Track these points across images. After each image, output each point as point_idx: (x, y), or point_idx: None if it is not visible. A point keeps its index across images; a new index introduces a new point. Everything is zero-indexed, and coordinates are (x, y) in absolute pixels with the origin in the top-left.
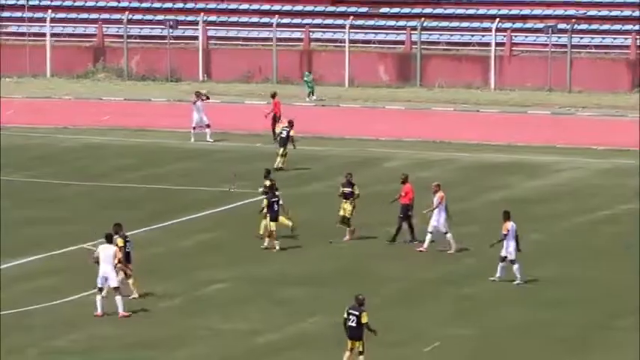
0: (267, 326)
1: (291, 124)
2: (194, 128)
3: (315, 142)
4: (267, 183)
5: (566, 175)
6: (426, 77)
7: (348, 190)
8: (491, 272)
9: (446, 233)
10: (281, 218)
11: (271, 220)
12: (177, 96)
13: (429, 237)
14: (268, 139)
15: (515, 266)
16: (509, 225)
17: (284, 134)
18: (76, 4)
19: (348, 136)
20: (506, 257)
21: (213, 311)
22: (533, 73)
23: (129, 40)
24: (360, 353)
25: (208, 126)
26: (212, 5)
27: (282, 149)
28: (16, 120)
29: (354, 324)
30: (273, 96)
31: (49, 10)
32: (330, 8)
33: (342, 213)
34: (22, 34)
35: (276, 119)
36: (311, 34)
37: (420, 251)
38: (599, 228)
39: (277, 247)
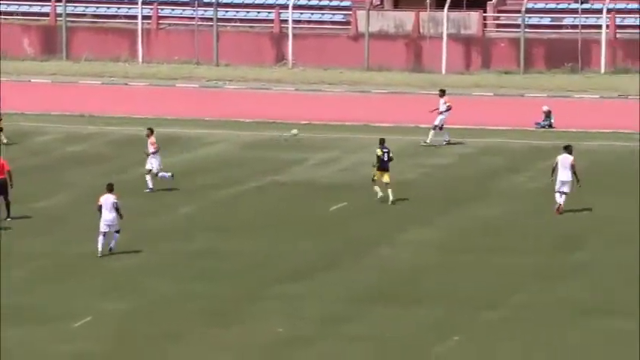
0: None
1: None
2: None
3: None
4: None
5: (215, 148)
6: (73, 50)
7: None
8: (140, 246)
9: None
10: None
11: None
12: None
13: None
14: None
15: None
16: None
17: None
18: None
19: None
20: None
21: None
22: (181, 47)
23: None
24: (387, 184)
25: None
26: None
27: None
28: None
29: (386, 158)
30: None
31: None
32: None
33: None
34: None
35: None
36: None
37: None
38: (247, 200)
39: None
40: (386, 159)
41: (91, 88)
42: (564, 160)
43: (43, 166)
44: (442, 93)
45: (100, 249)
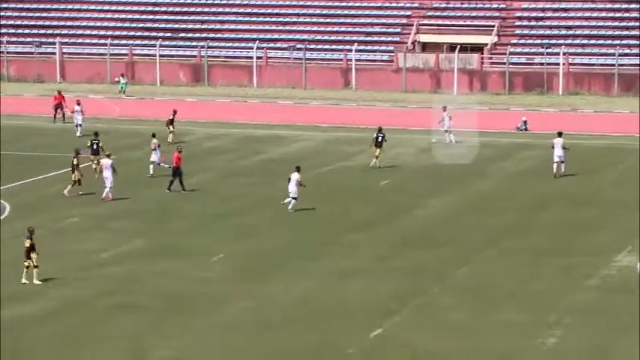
0: None
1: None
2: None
3: None
4: None
5: (304, 144)
6: (211, 80)
7: None
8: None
9: None
10: None
11: None
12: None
13: None
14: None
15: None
16: None
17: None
18: None
19: None
20: None
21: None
22: (282, 77)
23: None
24: (377, 157)
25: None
26: (65, 31)
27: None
28: None
29: (379, 139)
30: (59, 92)
31: None
32: None
33: None
34: None
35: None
36: None
37: None
38: (326, 178)
39: None
40: (379, 140)
41: (223, 104)
42: (558, 142)
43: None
44: (444, 108)
45: None
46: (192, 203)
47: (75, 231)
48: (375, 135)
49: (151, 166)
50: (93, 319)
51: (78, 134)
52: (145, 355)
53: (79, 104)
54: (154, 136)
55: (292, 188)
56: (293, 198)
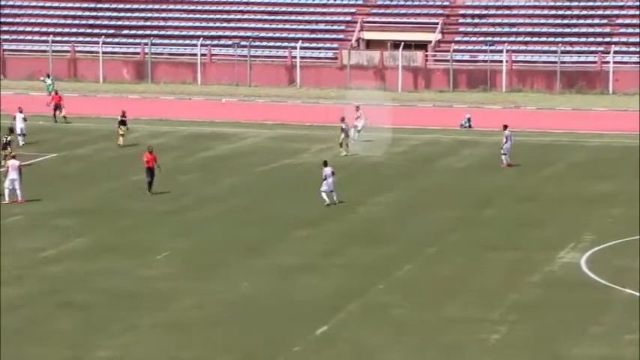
0: None
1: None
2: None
3: None
4: None
5: (249, 141)
6: (155, 77)
7: None
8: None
9: None
10: None
11: None
12: None
13: None
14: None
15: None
16: None
17: None
18: None
19: None
20: None
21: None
22: (226, 74)
23: None
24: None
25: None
26: (6, 28)
27: None
28: None
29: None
30: (56, 92)
31: None
32: None
33: None
34: None
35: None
36: None
37: None
38: (271, 174)
39: None
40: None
41: (167, 102)
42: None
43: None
44: (357, 108)
45: None
46: (137, 201)
47: (18, 229)
48: (343, 126)
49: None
50: (35, 318)
51: (21, 144)
52: (87, 353)
53: (21, 111)
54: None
55: (328, 183)
56: (330, 191)
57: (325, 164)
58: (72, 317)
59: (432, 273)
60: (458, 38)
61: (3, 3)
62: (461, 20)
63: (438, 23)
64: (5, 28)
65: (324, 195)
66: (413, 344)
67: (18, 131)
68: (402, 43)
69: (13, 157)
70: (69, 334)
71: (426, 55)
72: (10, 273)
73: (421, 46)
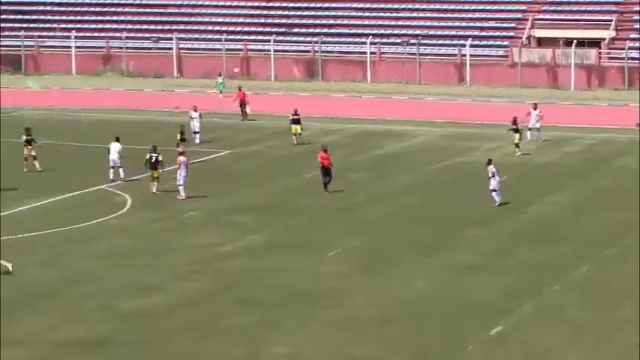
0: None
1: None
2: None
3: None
4: None
5: (419, 139)
6: (325, 75)
7: None
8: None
9: None
10: None
11: None
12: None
13: None
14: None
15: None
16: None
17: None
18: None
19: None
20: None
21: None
22: (395, 72)
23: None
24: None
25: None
26: (182, 27)
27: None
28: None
29: (153, 160)
30: (239, 88)
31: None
32: None
33: None
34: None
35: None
36: None
37: None
38: (443, 173)
39: None
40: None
41: (337, 99)
42: None
43: (307, 150)
44: (534, 106)
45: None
46: (310, 198)
47: (194, 225)
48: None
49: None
50: (213, 313)
51: (197, 142)
52: (263, 350)
53: (195, 110)
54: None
55: (495, 180)
56: (494, 190)
57: (489, 162)
58: (248, 314)
59: (609, 274)
60: (633, 35)
61: (179, 3)
62: (636, 17)
63: (611, 20)
64: (181, 27)
65: (494, 195)
66: (589, 345)
67: (193, 129)
68: (575, 41)
69: (182, 154)
70: (245, 331)
71: (600, 53)
72: (186, 268)
73: (594, 43)
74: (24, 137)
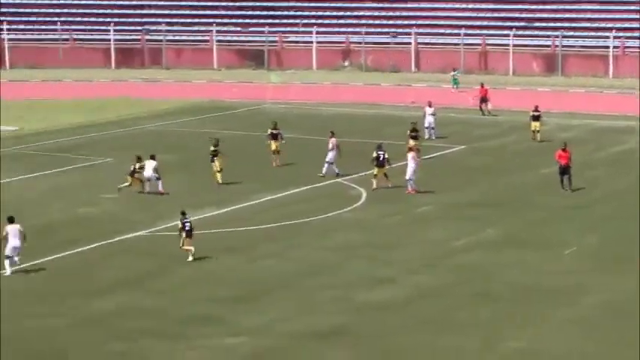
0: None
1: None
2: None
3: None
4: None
5: None
6: (566, 70)
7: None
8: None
9: None
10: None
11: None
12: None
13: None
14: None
15: None
16: None
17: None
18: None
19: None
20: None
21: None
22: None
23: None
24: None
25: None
26: (421, 22)
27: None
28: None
29: (381, 159)
30: (482, 85)
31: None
32: None
33: None
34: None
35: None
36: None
37: None
38: None
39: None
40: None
41: (577, 95)
42: None
43: (547, 147)
44: None
45: None
46: (546, 194)
47: (428, 219)
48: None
49: (325, 167)
50: (448, 307)
51: (432, 137)
52: (498, 344)
53: (430, 105)
54: (332, 134)
55: None
56: None
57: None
58: (483, 308)
59: None
60: None
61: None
62: None
63: None
64: (420, 22)
65: None
66: None
67: (426, 124)
68: None
69: (411, 150)
70: (480, 325)
71: None
72: (421, 262)
73: None
74: (269, 131)
